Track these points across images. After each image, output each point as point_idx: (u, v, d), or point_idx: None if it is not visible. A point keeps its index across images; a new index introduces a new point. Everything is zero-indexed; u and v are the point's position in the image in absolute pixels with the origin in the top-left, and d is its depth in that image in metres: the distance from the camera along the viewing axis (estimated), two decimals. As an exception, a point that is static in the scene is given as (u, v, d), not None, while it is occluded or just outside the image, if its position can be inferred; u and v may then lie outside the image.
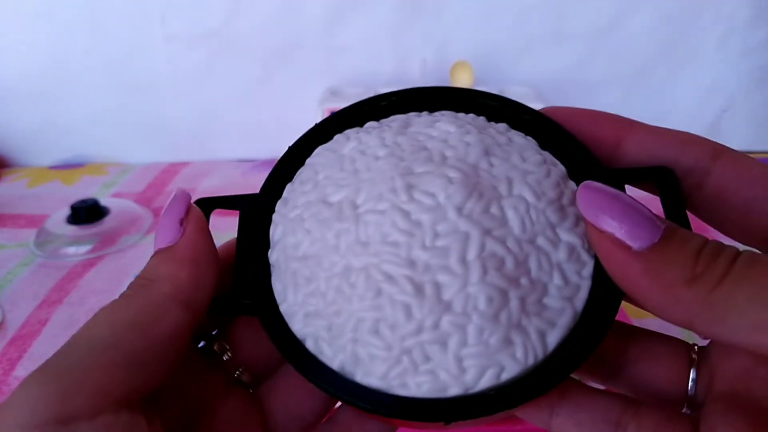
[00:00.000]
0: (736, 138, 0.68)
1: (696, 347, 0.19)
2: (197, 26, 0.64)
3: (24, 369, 0.38)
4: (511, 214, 0.17)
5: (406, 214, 0.17)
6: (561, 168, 0.19)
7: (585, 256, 0.17)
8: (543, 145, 0.19)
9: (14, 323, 0.42)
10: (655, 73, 0.67)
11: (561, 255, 0.17)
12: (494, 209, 0.17)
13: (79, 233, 0.51)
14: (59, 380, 0.15)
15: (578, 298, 0.17)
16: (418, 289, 0.16)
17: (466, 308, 0.16)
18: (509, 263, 0.16)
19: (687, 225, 0.17)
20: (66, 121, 0.67)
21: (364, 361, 0.17)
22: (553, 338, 0.17)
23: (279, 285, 0.18)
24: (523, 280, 0.16)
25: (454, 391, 0.16)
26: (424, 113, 0.20)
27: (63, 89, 0.66)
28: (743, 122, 0.69)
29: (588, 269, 0.17)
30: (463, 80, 0.61)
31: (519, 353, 0.16)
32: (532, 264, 0.17)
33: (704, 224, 0.19)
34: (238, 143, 0.69)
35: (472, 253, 0.16)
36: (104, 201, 0.55)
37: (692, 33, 0.65)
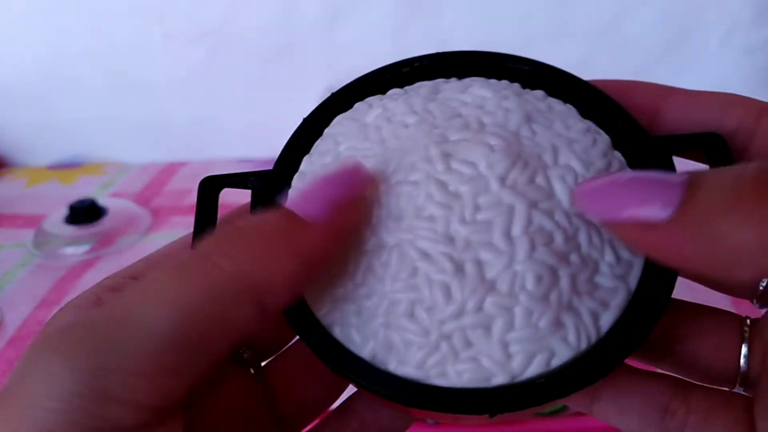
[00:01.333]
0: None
1: (748, 320, 0.18)
2: (196, 25, 0.64)
3: (21, 370, 0.37)
4: (558, 185, 0.16)
5: (442, 185, 0.15)
6: (606, 137, 0.17)
7: None
8: (584, 113, 0.18)
9: (13, 324, 0.41)
10: (657, 72, 0.67)
11: None
12: (540, 180, 0.16)
13: (77, 233, 0.51)
14: (94, 375, 0.12)
15: (631, 276, 0.16)
16: (458, 268, 0.15)
17: (513, 288, 0.15)
18: (558, 238, 0.15)
19: None
20: (64, 120, 0.67)
21: (398, 349, 0.15)
22: (607, 320, 0.15)
23: None
24: (573, 257, 0.15)
25: (499, 379, 0.15)
26: (453, 79, 0.19)
27: (61, 89, 0.65)
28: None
29: None
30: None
31: (571, 337, 0.15)
32: (582, 239, 0.15)
33: None
34: (237, 143, 0.69)
35: (517, 228, 0.15)
36: (102, 201, 0.55)
37: (695, 32, 0.65)
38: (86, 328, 0.13)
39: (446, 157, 0.16)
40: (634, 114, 0.18)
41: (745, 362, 0.17)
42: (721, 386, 0.18)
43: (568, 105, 0.18)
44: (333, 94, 0.19)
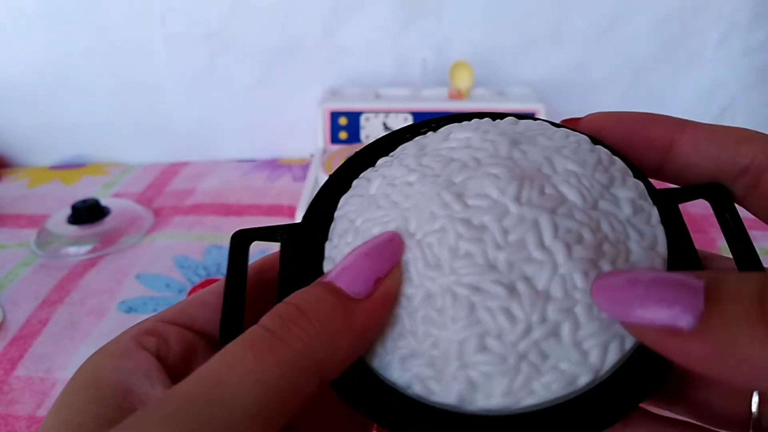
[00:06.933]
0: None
1: None
2: (197, 27, 0.64)
3: (25, 369, 0.38)
4: (566, 189, 0.17)
5: (467, 222, 0.16)
6: (584, 136, 0.18)
7: (647, 205, 0.17)
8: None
9: (15, 323, 0.42)
10: (655, 73, 0.67)
11: (626, 211, 0.17)
12: (549, 190, 0.17)
13: (79, 233, 0.51)
14: None
15: (659, 245, 0.17)
16: (511, 289, 0.16)
17: (567, 290, 0.15)
18: (586, 234, 0.16)
19: (749, 247, 0.17)
20: (66, 121, 0.67)
21: (482, 384, 0.16)
22: None
23: None
24: (605, 247, 0.16)
25: (584, 379, 0.15)
26: (429, 133, 0.20)
27: (64, 90, 0.66)
28: (742, 122, 0.69)
29: (655, 216, 0.17)
30: (463, 80, 0.62)
31: None
32: (606, 228, 0.16)
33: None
34: (238, 143, 0.69)
35: (548, 237, 0.16)
36: (105, 201, 0.55)
37: (692, 33, 0.65)
38: (176, 402, 0.13)
39: (459, 197, 0.17)
40: (649, 147, 0.18)
41: (756, 408, 0.17)
42: None
43: (539, 121, 0.19)
44: (325, 184, 0.20)
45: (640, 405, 0.17)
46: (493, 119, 0.20)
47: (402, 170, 0.18)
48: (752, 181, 0.17)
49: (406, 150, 0.19)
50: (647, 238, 0.17)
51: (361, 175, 0.20)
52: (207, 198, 0.60)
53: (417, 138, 0.20)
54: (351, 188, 0.19)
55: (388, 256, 0.16)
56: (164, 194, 0.61)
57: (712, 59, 0.66)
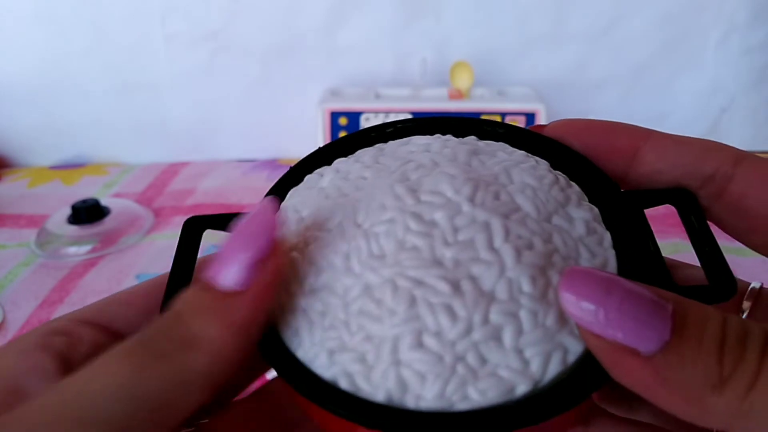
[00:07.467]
0: (735, 138, 0.68)
1: None
2: (197, 26, 0.64)
3: (25, 369, 0.38)
4: (521, 199, 0.17)
5: (417, 216, 0.16)
6: (543, 161, 0.18)
7: (600, 229, 0.17)
8: (553, 166, 0.19)
9: (15, 323, 0.42)
10: (655, 73, 0.67)
11: (579, 230, 0.16)
12: (504, 197, 0.16)
13: (79, 233, 0.51)
14: None
15: (609, 268, 0.16)
16: (455, 287, 0.15)
17: (512, 293, 0.15)
18: (537, 243, 0.16)
19: (715, 248, 0.16)
20: (66, 121, 0.67)
21: (413, 385, 0.15)
22: None
23: (289, 328, 0.16)
24: (556, 258, 0.16)
25: (522, 388, 0.15)
26: (390, 141, 0.20)
27: (63, 89, 0.66)
28: (742, 122, 0.69)
29: (607, 240, 0.17)
30: (463, 80, 0.62)
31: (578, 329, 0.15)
32: (557, 242, 0.16)
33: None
34: (238, 143, 0.69)
35: (498, 240, 0.16)
36: (105, 201, 0.55)
37: (692, 33, 0.65)
38: (32, 414, 0.13)
39: (413, 191, 0.17)
40: (613, 154, 0.18)
41: None
42: None
43: (500, 142, 0.19)
44: (279, 180, 0.20)
45: (606, 408, 0.17)
46: (456, 136, 0.20)
47: (357, 166, 0.18)
48: (717, 190, 0.17)
49: (365, 151, 0.19)
50: (598, 258, 0.16)
51: (315, 170, 0.19)
52: (207, 198, 0.60)
53: (378, 144, 0.20)
54: (302, 182, 0.19)
55: (266, 232, 0.15)
56: (164, 194, 0.61)
57: (712, 59, 0.66)
